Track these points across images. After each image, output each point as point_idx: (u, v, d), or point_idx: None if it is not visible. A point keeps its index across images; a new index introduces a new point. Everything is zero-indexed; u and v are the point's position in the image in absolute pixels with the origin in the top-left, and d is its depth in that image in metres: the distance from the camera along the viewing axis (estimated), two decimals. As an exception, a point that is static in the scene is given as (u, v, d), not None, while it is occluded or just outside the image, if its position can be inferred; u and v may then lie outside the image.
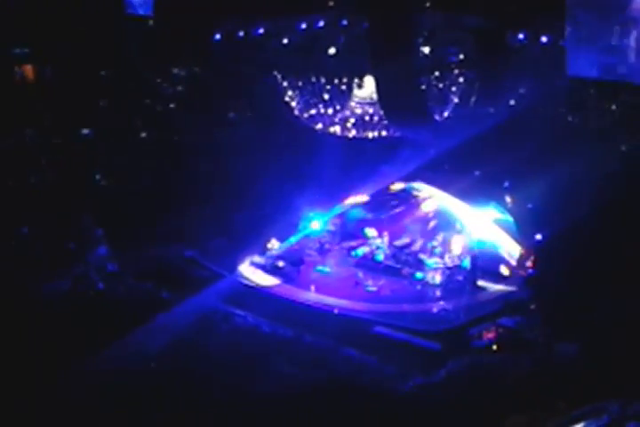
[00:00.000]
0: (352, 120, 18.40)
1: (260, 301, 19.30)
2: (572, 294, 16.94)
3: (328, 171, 21.84)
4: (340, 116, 18.29)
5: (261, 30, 18.09)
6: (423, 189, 22.19)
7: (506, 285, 19.84)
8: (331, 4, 18.22)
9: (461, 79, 17.80)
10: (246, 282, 20.29)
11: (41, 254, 19.14)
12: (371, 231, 22.34)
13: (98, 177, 21.23)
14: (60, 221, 20.03)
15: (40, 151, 20.66)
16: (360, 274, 20.80)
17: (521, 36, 17.66)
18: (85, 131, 21.07)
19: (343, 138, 19.02)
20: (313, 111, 18.43)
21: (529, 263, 19.88)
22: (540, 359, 15.91)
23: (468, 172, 21.03)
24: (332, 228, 22.77)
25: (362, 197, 22.73)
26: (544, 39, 17.71)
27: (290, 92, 18.55)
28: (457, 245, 21.20)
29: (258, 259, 21.30)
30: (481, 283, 20.05)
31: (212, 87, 21.93)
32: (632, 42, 15.49)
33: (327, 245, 22.27)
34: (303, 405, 14.29)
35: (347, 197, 22.80)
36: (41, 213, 19.94)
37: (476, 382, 15.39)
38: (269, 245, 21.65)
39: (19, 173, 20.22)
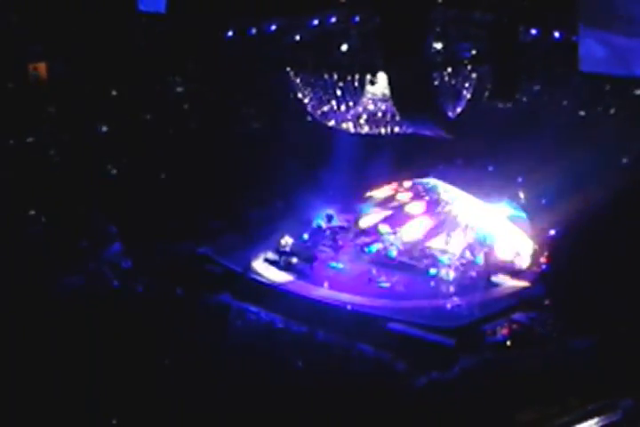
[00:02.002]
0: (364, 117, 18.39)
1: (273, 297, 19.35)
2: (585, 289, 16.93)
3: (341, 167, 21.88)
4: (352, 112, 18.27)
5: (274, 27, 18.07)
6: (445, 189, 22.25)
7: (520, 280, 19.83)
8: (343, 0, 18.20)
9: (474, 75, 17.79)
10: (260, 278, 20.32)
11: (55, 252, 19.20)
12: (384, 228, 22.37)
13: (111, 174, 21.30)
14: (74, 218, 20.10)
15: (53, 148, 20.72)
16: (373, 270, 20.79)
17: (533, 31, 17.63)
18: (98, 128, 21.13)
19: (356, 134, 19.01)
20: (325, 108, 18.42)
21: (543, 259, 19.90)
22: (554, 355, 15.91)
23: (482, 167, 21.05)
24: (345, 224, 22.84)
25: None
26: (556, 35, 17.68)
27: (302, 89, 18.55)
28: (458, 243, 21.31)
29: (271, 255, 21.34)
30: (494, 279, 20.05)
31: (224, 84, 21.97)
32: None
33: (340, 242, 22.28)
34: (317, 400, 14.32)
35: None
36: (55, 210, 20.02)
37: (489, 377, 15.40)
38: (283, 242, 21.67)
39: (32, 169, 20.28)
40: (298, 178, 21.89)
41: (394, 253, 21.52)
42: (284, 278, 20.46)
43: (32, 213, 19.97)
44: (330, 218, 22.94)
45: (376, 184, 23.07)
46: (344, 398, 14.41)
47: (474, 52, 17.90)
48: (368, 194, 23.27)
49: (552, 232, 19.40)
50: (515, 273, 20.15)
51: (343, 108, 18.36)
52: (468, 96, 18.22)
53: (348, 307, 18.67)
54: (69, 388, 14.38)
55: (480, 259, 20.71)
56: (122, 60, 20.57)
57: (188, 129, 22.25)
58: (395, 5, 14.90)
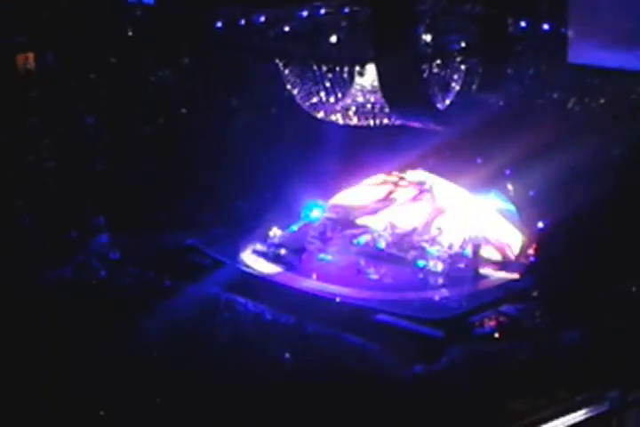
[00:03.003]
0: (353, 108, 18.35)
1: (261, 289, 19.33)
2: (574, 281, 16.97)
3: (330, 159, 21.85)
4: (341, 104, 18.23)
5: (262, 18, 18.01)
6: (433, 181, 22.24)
7: (508, 272, 19.84)
8: (332, -9, 18.16)
9: (463, 67, 17.77)
10: (248, 270, 20.30)
11: (42, 243, 19.14)
12: (372, 220, 22.35)
13: (99, 165, 21.22)
14: (61, 209, 20.03)
15: (41, 139, 20.63)
16: (362, 262, 20.75)
17: (523, 23, 17.63)
18: (86, 118, 21.04)
19: (345, 126, 19.00)
20: (314, 99, 18.38)
21: (531, 251, 19.92)
22: (542, 347, 15.93)
23: (470, 159, 21.03)
24: (333, 215, 22.79)
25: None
26: (546, 26, 17.69)
27: (291, 80, 18.50)
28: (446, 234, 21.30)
29: (259, 247, 21.31)
30: (483, 271, 20.05)
31: (213, 75, 21.92)
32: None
33: (329, 234, 22.24)
34: (304, 392, 14.32)
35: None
36: (42, 201, 19.94)
37: (477, 369, 15.41)
38: (271, 233, 21.66)
39: (19, 160, 20.20)
40: (287, 169, 21.87)
41: (382, 244, 21.51)
42: (272, 270, 20.44)
43: (19, 204, 19.87)
44: (319, 209, 22.90)
45: (365, 176, 23.02)
46: (332, 389, 14.41)
47: (463, 44, 17.87)
48: (356, 185, 23.23)
49: (540, 224, 19.39)
50: (503, 265, 20.16)
51: (332, 99, 18.31)
52: (457, 88, 18.21)
53: (337, 299, 18.66)
54: (58, 379, 14.34)
55: (468, 251, 20.71)
56: (110, 50, 20.49)
57: (176, 120, 22.18)
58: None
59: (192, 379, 14.72)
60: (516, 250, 20.24)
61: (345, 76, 17.88)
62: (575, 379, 13.78)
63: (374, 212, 22.51)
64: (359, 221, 22.52)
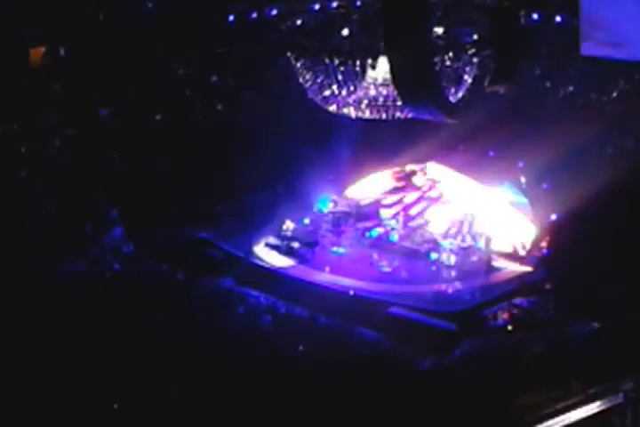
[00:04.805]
0: (366, 101, 18.35)
1: (275, 282, 19.37)
2: (587, 273, 16.94)
3: (342, 152, 21.88)
4: (353, 97, 18.23)
5: (274, 12, 18.03)
6: (446, 174, 22.23)
7: (521, 265, 19.82)
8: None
9: (475, 59, 17.76)
10: (261, 263, 20.33)
11: (56, 236, 19.20)
12: (385, 212, 22.35)
13: (113, 158, 21.26)
14: (76, 202, 20.09)
15: (55, 133, 20.68)
16: (375, 255, 20.78)
17: (535, 15, 17.61)
18: (100, 112, 21.07)
19: (358, 119, 19.00)
20: (327, 93, 18.38)
21: (544, 244, 19.89)
22: (555, 339, 15.93)
23: (483, 152, 21.02)
24: (346, 209, 22.80)
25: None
26: (558, 19, 17.67)
27: (303, 74, 18.51)
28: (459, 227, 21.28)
29: (272, 240, 21.33)
30: (496, 263, 20.04)
31: (225, 69, 21.93)
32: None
33: (342, 227, 22.26)
34: (318, 385, 14.34)
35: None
36: (56, 194, 20.00)
37: (490, 362, 15.44)
38: (284, 227, 21.68)
39: (34, 154, 20.26)
40: (300, 163, 21.90)
41: (395, 237, 21.51)
42: (285, 263, 20.47)
43: (33, 198, 19.93)
44: (332, 202, 22.91)
45: (377, 169, 23.02)
46: (345, 382, 14.43)
47: (475, 36, 17.85)
48: (368, 178, 23.23)
49: (553, 217, 19.37)
50: (516, 258, 20.14)
51: (344, 92, 18.31)
52: (470, 81, 18.19)
53: (350, 292, 18.67)
54: (70, 373, 14.40)
55: (481, 243, 20.70)
56: (122, 44, 20.51)
57: (188, 113, 22.21)
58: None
59: (205, 371, 14.76)
60: (529, 242, 20.24)
61: (357, 69, 17.88)
62: (589, 371, 13.75)
63: (387, 205, 22.54)
64: (372, 214, 22.58)
